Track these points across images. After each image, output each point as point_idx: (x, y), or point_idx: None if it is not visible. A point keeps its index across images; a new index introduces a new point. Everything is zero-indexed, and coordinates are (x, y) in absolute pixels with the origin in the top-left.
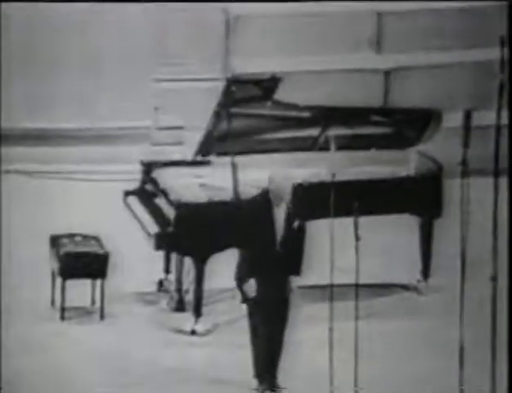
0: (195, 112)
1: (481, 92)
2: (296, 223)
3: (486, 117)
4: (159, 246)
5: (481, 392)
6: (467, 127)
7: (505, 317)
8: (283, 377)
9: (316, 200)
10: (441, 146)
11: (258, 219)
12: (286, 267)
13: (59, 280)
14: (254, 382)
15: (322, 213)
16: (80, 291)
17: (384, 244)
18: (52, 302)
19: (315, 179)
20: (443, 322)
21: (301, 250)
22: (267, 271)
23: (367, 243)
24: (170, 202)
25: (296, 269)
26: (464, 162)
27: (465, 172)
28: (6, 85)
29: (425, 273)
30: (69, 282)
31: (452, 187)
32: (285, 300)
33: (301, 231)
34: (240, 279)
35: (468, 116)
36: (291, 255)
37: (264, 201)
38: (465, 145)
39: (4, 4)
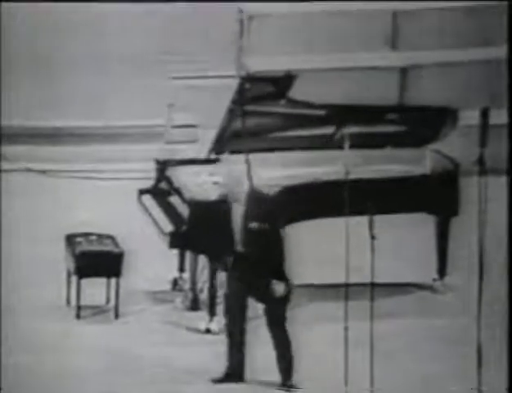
0: (209, 110)
1: (497, 91)
2: (254, 225)
3: (502, 115)
4: (173, 244)
5: (498, 392)
6: (484, 125)
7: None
8: (297, 376)
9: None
10: (457, 144)
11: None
12: (260, 269)
13: (74, 279)
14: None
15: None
16: (95, 289)
17: (398, 243)
18: (68, 301)
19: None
20: (460, 322)
21: (277, 255)
22: (232, 270)
23: (382, 242)
24: (184, 200)
25: (275, 274)
26: (481, 160)
27: (482, 170)
28: (18, 85)
29: (442, 271)
30: (85, 281)
31: (469, 186)
32: (272, 302)
33: (274, 235)
34: None
35: (485, 114)
36: (263, 258)
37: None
38: (482, 143)
39: (16, 4)
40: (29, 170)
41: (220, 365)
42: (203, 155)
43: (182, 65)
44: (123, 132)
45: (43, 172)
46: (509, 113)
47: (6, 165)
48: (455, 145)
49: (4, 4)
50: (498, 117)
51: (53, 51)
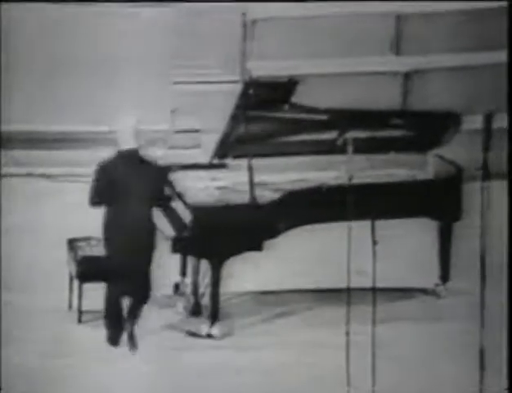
0: (212, 115)
1: (502, 95)
2: None
3: (505, 119)
4: (175, 249)
5: None
6: (488, 130)
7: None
8: (298, 379)
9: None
10: (460, 148)
11: None
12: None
13: (76, 283)
14: None
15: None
16: (97, 294)
17: (401, 247)
18: (70, 305)
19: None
20: (462, 326)
21: None
22: None
23: (385, 247)
24: (187, 205)
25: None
26: (484, 165)
27: (486, 175)
28: (19, 87)
29: (444, 276)
30: (87, 285)
31: (472, 191)
32: None
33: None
34: None
35: (488, 119)
36: None
37: None
38: (486, 148)
39: (21, 5)
40: (29, 175)
41: (221, 371)
42: (206, 160)
43: (185, 70)
44: None
45: (46, 176)
46: (509, 117)
47: (8, 170)
48: (459, 150)
49: (4, 4)
50: (501, 121)
51: (53, 54)
